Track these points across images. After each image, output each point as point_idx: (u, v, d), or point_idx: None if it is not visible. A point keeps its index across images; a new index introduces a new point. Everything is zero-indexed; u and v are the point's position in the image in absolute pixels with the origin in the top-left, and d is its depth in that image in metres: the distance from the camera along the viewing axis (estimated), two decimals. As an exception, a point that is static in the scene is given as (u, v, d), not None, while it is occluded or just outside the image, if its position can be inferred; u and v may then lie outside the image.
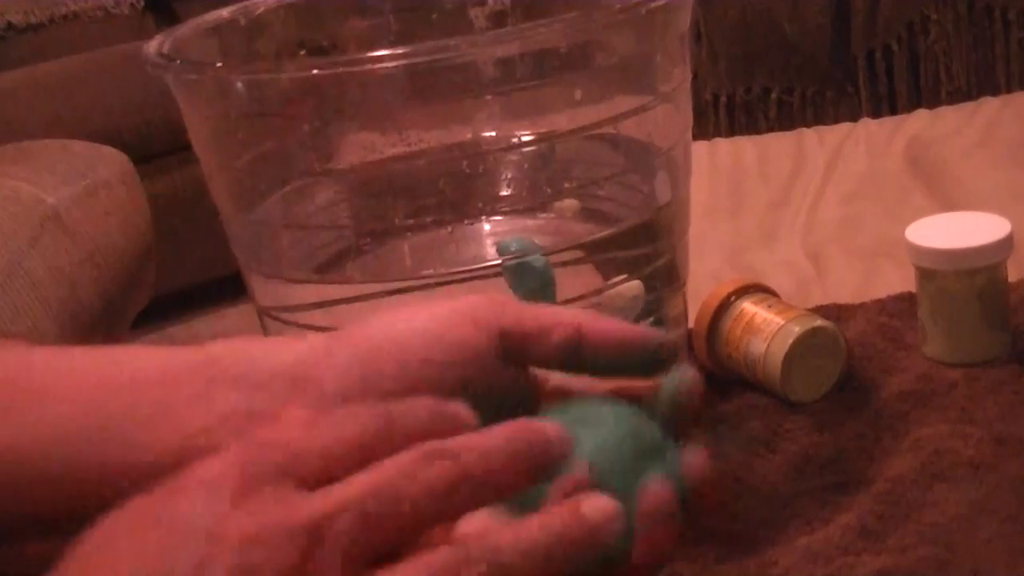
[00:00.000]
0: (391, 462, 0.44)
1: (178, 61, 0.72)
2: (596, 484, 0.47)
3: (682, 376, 0.53)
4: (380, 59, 0.67)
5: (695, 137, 0.86)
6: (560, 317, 0.52)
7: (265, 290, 0.77)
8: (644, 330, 0.53)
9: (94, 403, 0.51)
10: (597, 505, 0.45)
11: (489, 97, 0.73)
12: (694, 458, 0.50)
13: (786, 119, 1.94)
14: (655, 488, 0.48)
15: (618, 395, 0.53)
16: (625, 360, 0.52)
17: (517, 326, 0.52)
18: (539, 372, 0.54)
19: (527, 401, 0.54)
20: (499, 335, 0.52)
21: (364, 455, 0.44)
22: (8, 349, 0.56)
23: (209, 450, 0.48)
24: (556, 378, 0.55)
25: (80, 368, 0.54)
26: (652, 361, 0.53)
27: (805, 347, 0.80)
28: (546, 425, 0.46)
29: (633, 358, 0.52)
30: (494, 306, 0.52)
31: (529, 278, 0.68)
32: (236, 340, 0.54)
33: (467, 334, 0.51)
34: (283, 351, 0.52)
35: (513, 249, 0.65)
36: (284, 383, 0.51)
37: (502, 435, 0.46)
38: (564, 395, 0.54)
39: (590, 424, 0.50)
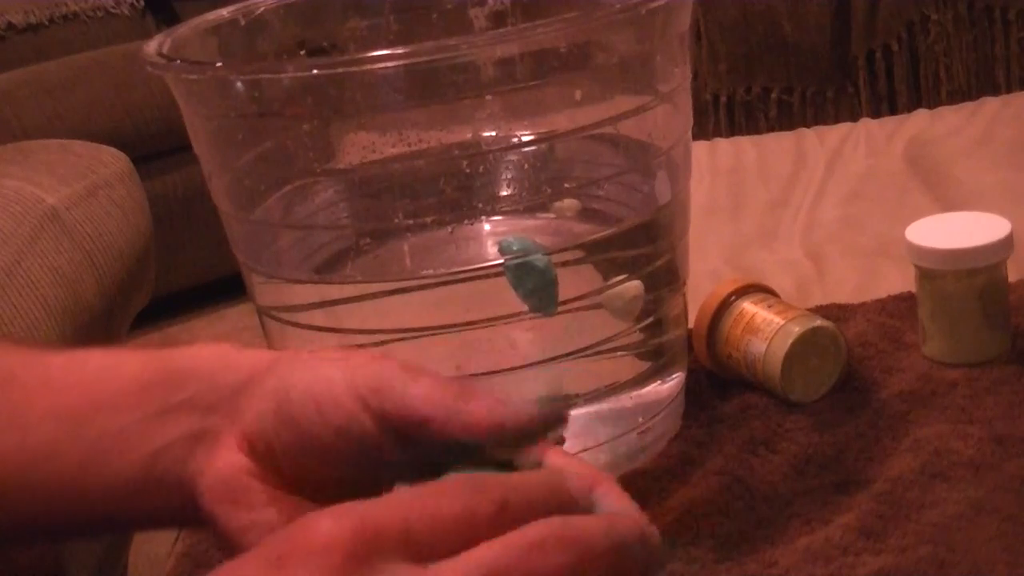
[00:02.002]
0: (511, 541, 0.43)
1: (178, 61, 0.72)
2: None
3: None
4: (380, 59, 0.67)
5: (695, 137, 0.86)
6: (428, 409, 0.50)
7: (265, 290, 0.77)
8: (508, 415, 0.49)
9: (72, 425, 0.53)
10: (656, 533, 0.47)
11: (489, 97, 0.73)
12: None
13: (786, 119, 1.94)
14: None
15: None
16: (494, 445, 0.50)
17: (397, 416, 0.50)
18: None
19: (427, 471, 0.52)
20: (383, 423, 0.50)
21: (479, 529, 0.44)
22: None
23: (167, 467, 0.52)
24: None
25: (58, 384, 0.55)
26: (523, 440, 0.50)
27: (805, 347, 0.80)
28: (653, 529, 0.47)
29: (499, 443, 0.50)
30: (382, 392, 0.51)
31: (531, 278, 0.68)
32: (212, 349, 0.55)
33: (355, 417, 0.51)
34: (240, 369, 0.54)
35: (515, 249, 0.65)
36: (225, 405, 0.53)
37: (628, 528, 0.46)
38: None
39: None
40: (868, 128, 1.31)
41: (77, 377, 0.55)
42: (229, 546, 0.52)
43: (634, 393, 0.78)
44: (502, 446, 0.50)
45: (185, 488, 0.53)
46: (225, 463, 0.52)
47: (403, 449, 0.51)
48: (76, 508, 0.54)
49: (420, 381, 0.51)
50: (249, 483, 0.52)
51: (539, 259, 0.68)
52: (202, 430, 0.53)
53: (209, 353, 0.55)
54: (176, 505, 0.53)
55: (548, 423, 0.50)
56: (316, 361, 0.53)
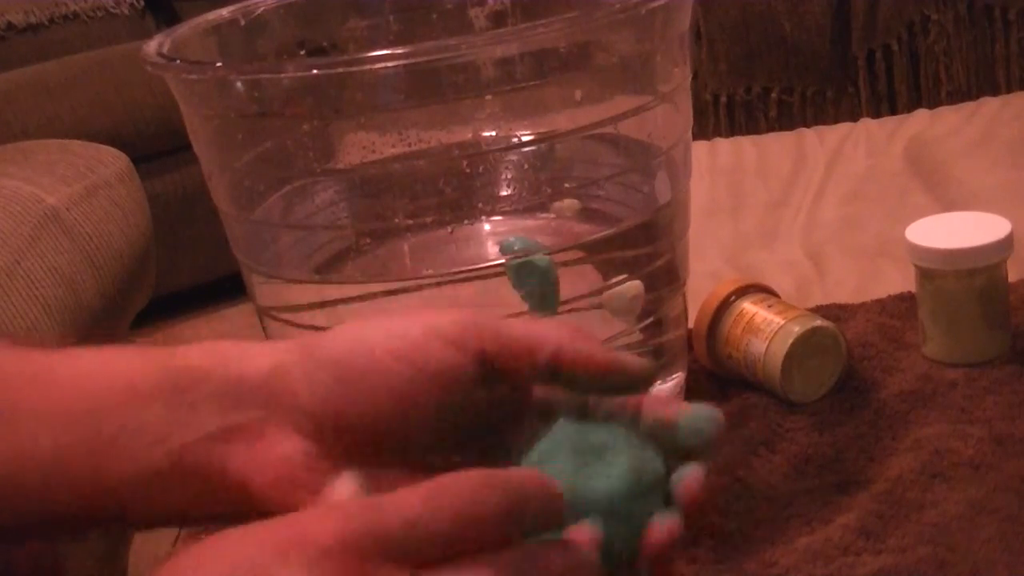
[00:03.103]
0: (510, 560, 0.44)
1: (178, 61, 0.72)
2: (604, 531, 0.48)
3: (706, 417, 0.51)
4: (380, 59, 0.67)
5: (695, 137, 0.86)
6: (540, 337, 0.50)
7: (265, 290, 0.77)
8: (624, 357, 0.51)
9: (85, 423, 0.52)
10: None
11: (489, 97, 0.73)
12: (689, 482, 0.50)
13: (786, 119, 1.94)
14: (660, 528, 0.48)
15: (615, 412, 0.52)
16: (604, 384, 0.51)
17: (497, 348, 0.50)
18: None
19: (511, 417, 0.52)
20: (479, 358, 0.50)
21: (481, 534, 0.44)
22: None
23: (199, 462, 0.50)
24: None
25: (66, 383, 0.53)
26: (631, 386, 0.51)
27: (805, 347, 0.80)
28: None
29: (611, 383, 0.51)
30: (474, 327, 0.50)
31: (532, 277, 0.68)
32: (214, 346, 0.53)
33: (446, 357, 0.50)
34: (257, 359, 0.52)
35: (516, 248, 0.65)
36: (257, 396, 0.51)
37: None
38: (551, 405, 0.53)
39: (600, 461, 0.50)
40: (868, 128, 1.31)
41: (91, 371, 0.54)
42: None
43: (634, 393, 0.78)
44: (607, 390, 0.51)
45: (228, 483, 0.51)
46: (280, 451, 0.51)
47: (492, 390, 0.51)
48: (82, 506, 0.53)
49: (513, 320, 0.51)
50: (315, 464, 0.51)
51: (541, 259, 0.68)
52: (236, 425, 0.51)
53: (221, 349, 0.53)
54: (212, 497, 0.52)
55: (653, 377, 0.51)
56: (378, 321, 0.52)
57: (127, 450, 0.52)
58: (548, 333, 0.51)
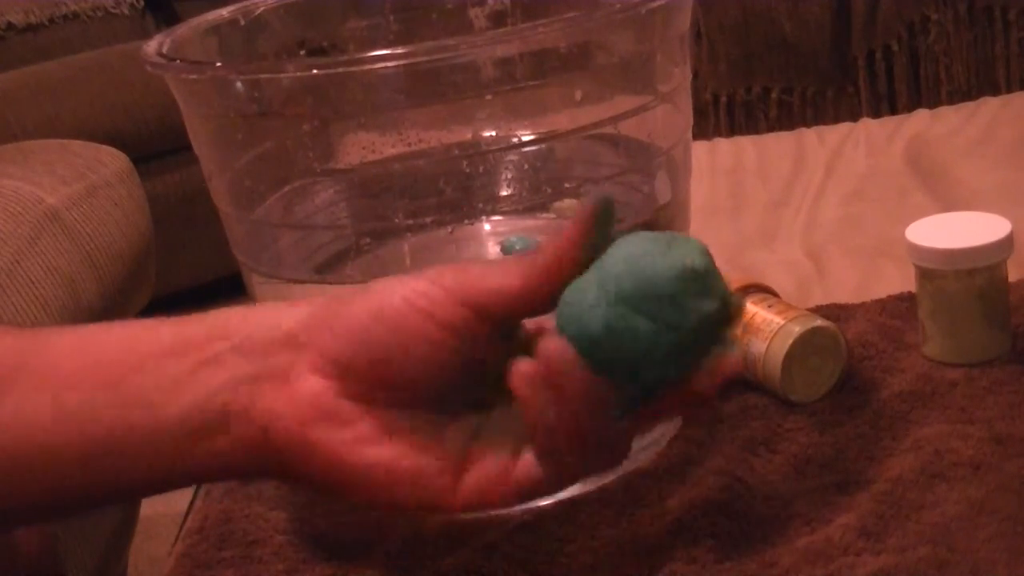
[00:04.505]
0: None
1: (178, 61, 0.72)
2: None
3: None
4: (380, 59, 0.67)
5: (695, 137, 0.86)
6: (524, 288, 0.55)
7: (265, 290, 0.77)
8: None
9: (113, 379, 0.54)
10: None
11: (489, 97, 0.73)
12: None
13: (786, 119, 1.94)
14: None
15: None
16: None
17: (494, 302, 0.54)
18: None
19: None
20: (477, 310, 0.54)
21: None
22: (16, 336, 0.56)
23: (223, 406, 0.53)
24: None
25: (93, 346, 0.56)
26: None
27: (805, 347, 0.80)
28: None
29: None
30: (473, 288, 0.54)
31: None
32: (235, 308, 0.57)
33: (454, 310, 0.54)
34: (284, 316, 0.55)
35: (517, 248, 0.65)
36: (286, 344, 0.54)
37: None
38: None
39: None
40: (868, 128, 1.31)
41: (114, 337, 0.56)
42: (321, 466, 0.54)
43: (634, 393, 0.78)
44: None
45: (252, 424, 0.54)
46: (306, 389, 0.54)
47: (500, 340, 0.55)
48: (113, 467, 0.54)
49: (492, 271, 0.55)
50: (339, 401, 0.54)
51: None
52: (262, 371, 0.54)
53: (244, 308, 0.57)
54: (234, 445, 0.54)
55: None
56: (396, 279, 0.56)
57: (154, 400, 0.54)
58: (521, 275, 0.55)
